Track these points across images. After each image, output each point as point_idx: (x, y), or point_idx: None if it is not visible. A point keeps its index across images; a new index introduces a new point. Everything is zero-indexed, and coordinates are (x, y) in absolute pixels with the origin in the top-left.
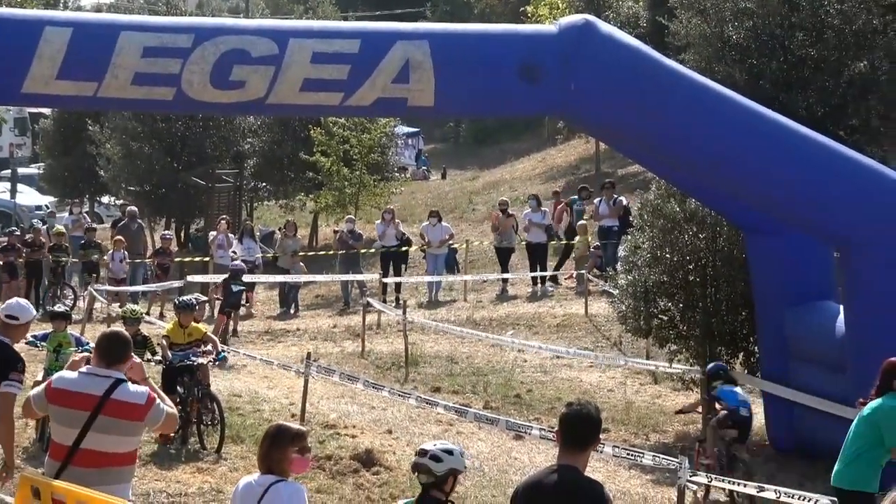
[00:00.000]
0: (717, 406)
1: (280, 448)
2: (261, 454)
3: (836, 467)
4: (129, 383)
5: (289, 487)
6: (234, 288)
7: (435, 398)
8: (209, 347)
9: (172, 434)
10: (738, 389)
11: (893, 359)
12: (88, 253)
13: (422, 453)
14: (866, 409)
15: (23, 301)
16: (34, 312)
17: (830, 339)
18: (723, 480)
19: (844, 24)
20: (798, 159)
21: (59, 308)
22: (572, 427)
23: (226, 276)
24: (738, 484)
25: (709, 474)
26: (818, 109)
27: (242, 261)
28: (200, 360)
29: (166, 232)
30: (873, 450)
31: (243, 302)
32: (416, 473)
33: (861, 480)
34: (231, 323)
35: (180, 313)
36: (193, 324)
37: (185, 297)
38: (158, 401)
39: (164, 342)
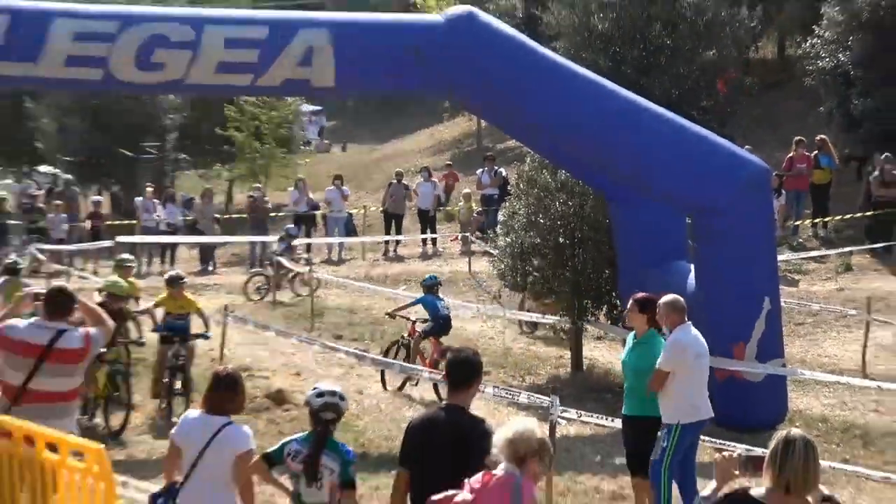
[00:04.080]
0: None
1: (226, 392)
2: (208, 395)
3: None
4: (69, 331)
5: (238, 430)
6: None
7: (337, 345)
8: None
9: None
10: None
11: None
12: (36, 217)
13: (330, 394)
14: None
15: None
16: None
17: (682, 295)
18: (591, 416)
19: (696, 15)
20: (654, 137)
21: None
22: (455, 370)
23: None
24: (604, 418)
25: (578, 410)
26: (673, 92)
27: (167, 224)
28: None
29: (97, 197)
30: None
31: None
32: (321, 412)
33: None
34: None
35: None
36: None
37: (174, 272)
38: (93, 332)
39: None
